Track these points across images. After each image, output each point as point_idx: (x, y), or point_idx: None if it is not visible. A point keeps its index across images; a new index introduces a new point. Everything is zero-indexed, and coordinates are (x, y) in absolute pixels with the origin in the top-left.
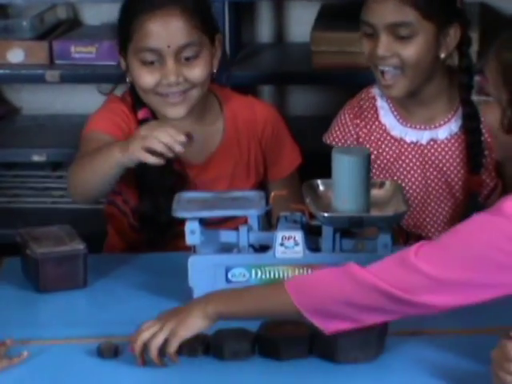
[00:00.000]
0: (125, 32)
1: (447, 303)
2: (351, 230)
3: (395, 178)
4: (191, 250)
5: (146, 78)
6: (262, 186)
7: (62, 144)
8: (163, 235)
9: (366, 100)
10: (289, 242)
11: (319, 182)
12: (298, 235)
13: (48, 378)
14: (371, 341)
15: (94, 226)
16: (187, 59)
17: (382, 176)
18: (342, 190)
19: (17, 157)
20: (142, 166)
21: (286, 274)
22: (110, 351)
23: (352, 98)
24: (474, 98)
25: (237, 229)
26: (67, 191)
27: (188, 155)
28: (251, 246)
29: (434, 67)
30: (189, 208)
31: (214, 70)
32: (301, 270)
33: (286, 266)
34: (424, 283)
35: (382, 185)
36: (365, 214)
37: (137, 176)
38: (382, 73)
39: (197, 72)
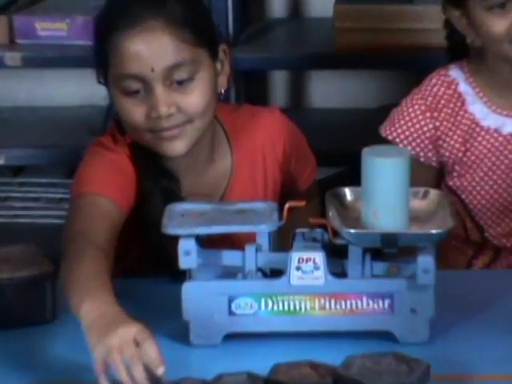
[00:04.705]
0: (100, 56)
1: None
2: (384, 250)
3: (484, 176)
4: (186, 275)
5: (132, 112)
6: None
7: (25, 144)
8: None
9: (440, 85)
10: (307, 266)
11: (346, 190)
12: (319, 257)
13: None
14: None
15: None
16: (180, 83)
17: (468, 175)
18: (374, 201)
19: None
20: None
21: (303, 305)
22: None
23: (416, 85)
24: None
25: (242, 249)
26: None
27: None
28: (260, 270)
29: None
30: (183, 223)
31: (222, 90)
32: (322, 300)
33: (303, 295)
34: None
35: (425, 194)
36: (400, 230)
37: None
38: None
39: (193, 99)
